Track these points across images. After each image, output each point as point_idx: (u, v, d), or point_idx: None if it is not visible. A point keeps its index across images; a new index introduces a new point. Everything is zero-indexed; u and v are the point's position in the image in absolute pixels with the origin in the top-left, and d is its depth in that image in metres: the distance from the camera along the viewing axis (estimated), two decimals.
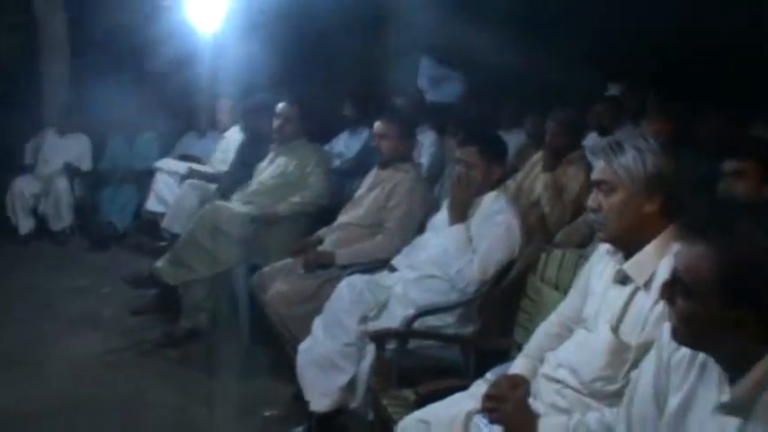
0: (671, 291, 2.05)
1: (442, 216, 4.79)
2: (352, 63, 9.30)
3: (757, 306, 1.88)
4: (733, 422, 1.96)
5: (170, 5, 8.94)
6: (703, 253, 1.95)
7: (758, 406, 1.92)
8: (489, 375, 3.38)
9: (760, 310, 1.88)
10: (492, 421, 2.96)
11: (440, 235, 4.68)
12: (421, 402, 3.41)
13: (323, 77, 8.99)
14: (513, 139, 7.27)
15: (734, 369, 1.97)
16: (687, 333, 2.04)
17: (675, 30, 8.53)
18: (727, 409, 1.98)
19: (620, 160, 2.89)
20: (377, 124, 5.67)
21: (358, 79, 9.20)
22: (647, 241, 2.86)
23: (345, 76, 9.29)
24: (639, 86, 8.08)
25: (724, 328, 1.93)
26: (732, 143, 4.63)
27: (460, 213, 4.59)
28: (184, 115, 9.43)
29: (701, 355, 2.10)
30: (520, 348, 3.39)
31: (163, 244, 7.57)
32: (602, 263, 3.10)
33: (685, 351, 2.16)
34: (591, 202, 2.99)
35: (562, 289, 3.74)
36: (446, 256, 4.50)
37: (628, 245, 2.92)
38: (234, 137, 8.16)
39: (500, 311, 4.25)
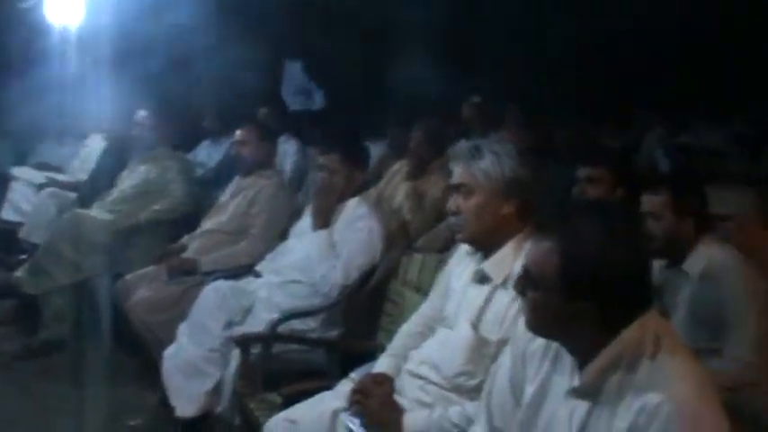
0: (523, 283, 2.17)
1: (305, 222, 4.85)
2: (215, 72, 9.27)
3: (597, 299, 2.02)
4: (582, 406, 2.10)
5: (30, 6, 8.71)
6: (549, 249, 2.08)
7: (604, 390, 2.06)
8: (354, 375, 3.46)
9: (600, 303, 2.02)
10: (358, 414, 3.03)
11: (303, 241, 4.74)
12: (286, 404, 3.46)
13: (186, 86, 8.92)
14: (377, 149, 7.38)
15: (582, 356, 2.11)
16: (538, 323, 2.17)
17: (533, 42, 8.84)
18: (576, 393, 2.12)
19: (478, 164, 3.01)
20: (236, 132, 5.71)
21: (220, 88, 9.17)
22: (505, 242, 3.00)
23: (208, 84, 9.26)
24: (499, 98, 8.31)
25: (569, 319, 2.07)
26: (586, 152, 4.85)
27: (323, 219, 4.65)
28: (42, 121, 9.18)
29: (555, 345, 2.23)
30: (383, 350, 3.46)
31: (22, 257, 7.38)
32: (461, 264, 3.21)
33: (540, 342, 2.28)
34: (450, 204, 3.11)
35: (423, 291, 3.84)
36: (309, 262, 4.55)
37: (486, 245, 3.05)
38: (96, 144, 8.03)
39: (364, 315, 4.34)
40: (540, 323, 2.17)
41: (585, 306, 2.04)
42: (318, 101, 10.13)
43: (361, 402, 3.05)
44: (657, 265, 3.57)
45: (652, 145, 8.68)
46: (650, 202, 3.61)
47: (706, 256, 3.55)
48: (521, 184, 3.00)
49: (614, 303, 2.04)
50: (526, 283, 2.16)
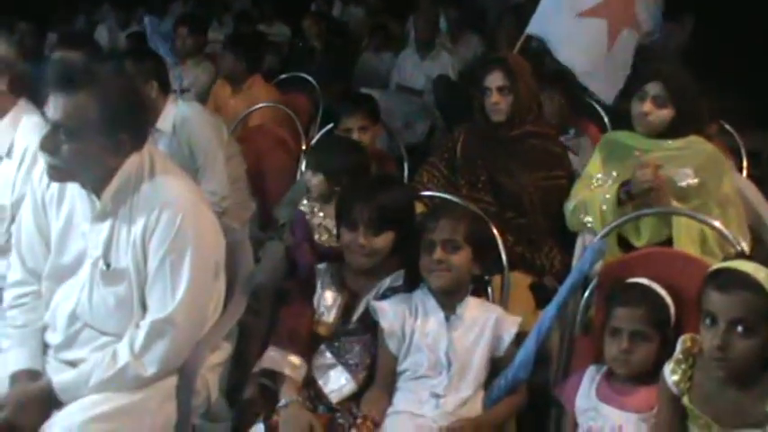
0: (55, 141, 2.44)
1: None
2: None
3: (127, 128, 2.48)
4: (106, 225, 2.57)
5: None
6: (83, 101, 2.41)
7: (120, 209, 2.55)
8: None
9: (130, 131, 2.49)
10: None
11: None
12: None
13: None
14: None
15: (99, 185, 2.53)
16: (66, 171, 2.51)
17: None
18: (98, 217, 2.57)
19: None
20: None
21: None
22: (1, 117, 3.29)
23: None
24: None
25: (110, 153, 2.48)
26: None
27: None
28: None
29: (69, 186, 2.63)
30: None
31: None
32: None
33: (54, 188, 2.67)
34: None
35: None
36: None
37: None
38: None
39: None
40: (69, 170, 2.50)
41: (124, 136, 2.47)
42: None
43: None
44: None
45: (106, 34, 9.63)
46: None
47: (173, 114, 4.25)
48: (8, 62, 3.29)
49: (128, 131, 2.49)
50: (60, 139, 2.44)
